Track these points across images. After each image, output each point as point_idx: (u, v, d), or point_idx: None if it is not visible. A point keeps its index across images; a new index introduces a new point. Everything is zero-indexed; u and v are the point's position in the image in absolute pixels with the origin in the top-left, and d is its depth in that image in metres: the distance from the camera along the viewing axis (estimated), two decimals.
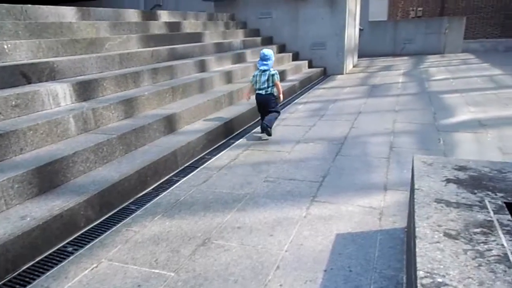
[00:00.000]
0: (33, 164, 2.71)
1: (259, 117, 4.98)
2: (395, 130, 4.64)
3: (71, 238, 2.53)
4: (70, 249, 2.41)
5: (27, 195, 2.61)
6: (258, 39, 9.35)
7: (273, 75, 4.46)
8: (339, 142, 4.28)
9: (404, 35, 13.43)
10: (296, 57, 9.58)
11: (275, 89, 4.52)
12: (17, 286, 2.08)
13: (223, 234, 2.50)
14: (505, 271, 1.24)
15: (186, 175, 3.56)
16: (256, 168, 3.64)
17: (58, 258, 2.31)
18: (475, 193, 1.81)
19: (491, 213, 1.61)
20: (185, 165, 3.79)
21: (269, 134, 4.50)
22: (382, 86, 7.80)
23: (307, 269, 2.10)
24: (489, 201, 1.72)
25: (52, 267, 2.23)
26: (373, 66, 11.02)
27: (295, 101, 6.69)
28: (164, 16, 7.55)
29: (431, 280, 1.21)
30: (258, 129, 4.93)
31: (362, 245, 2.31)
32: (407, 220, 2.41)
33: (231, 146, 4.34)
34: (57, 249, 2.41)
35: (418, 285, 1.20)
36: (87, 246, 2.44)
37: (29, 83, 3.71)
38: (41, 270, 2.21)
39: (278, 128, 4.98)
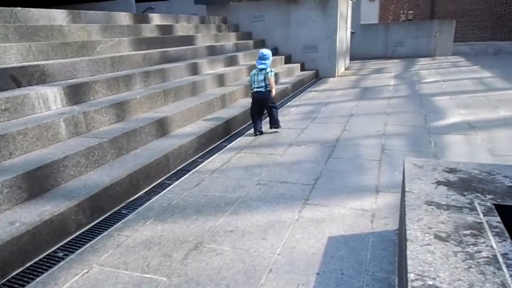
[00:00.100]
0: (23, 168, 2.68)
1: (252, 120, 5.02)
2: (386, 132, 4.68)
3: (61, 243, 2.50)
4: (60, 254, 2.39)
5: (17, 200, 2.58)
6: (251, 42, 9.37)
7: (267, 72, 4.66)
8: (331, 145, 4.29)
9: (395, 38, 13.55)
10: (288, 60, 9.61)
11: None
12: None
13: (215, 238, 2.50)
14: (495, 273, 1.25)
15: (179, 178, 3.54)
16: (249, 171, 3.63)
17: (48, 264, 2.29)
18: (465, 195, 1.83)
19: (481, 215, 1.63)
20: (178, 169, 3.77)
21: (277, 129, 4.92)
22: (373, 88, 7.85)
23: (299, 272, 2.10)
24: (478, 203, 1.74)
25: (42, 273, 2.20)
26: (365, 69, 11.10)
27: (288, 103, 6.71)
28: (156, 19, 7.54)
29: (422, 283, 1.22)
30: (251, 131, 4.95)
31: (354, 247, 2.31)
32: (399, 222, 2.42)
33: (223, 149, 4.34)
34: (47, 255, 2.38)
35: (409, 287, 1.21)
36: (78, 251, 2.41)
37: (19, 86, 3.68)
38: (30, 276, 2.18)
39: (271, 131, 4.98)
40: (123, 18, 6.61)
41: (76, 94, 3.89)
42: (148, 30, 6.67)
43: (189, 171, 3.71)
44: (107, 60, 4.78)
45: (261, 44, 9.71)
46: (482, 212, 1.65)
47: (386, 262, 2.16)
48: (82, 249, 2.44)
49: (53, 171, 2.85)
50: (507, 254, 1.35)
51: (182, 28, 7.71)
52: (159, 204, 3.03)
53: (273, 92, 4.80)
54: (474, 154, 3.80)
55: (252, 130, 4.95)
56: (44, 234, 2.40)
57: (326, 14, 9.21)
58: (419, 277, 1.25)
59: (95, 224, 2.74)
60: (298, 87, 8.12)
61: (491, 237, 1.46)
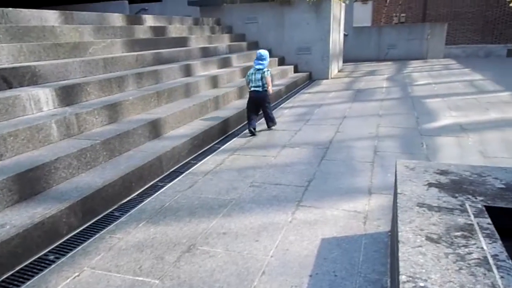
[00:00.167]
0: (14, 170, 2.65)
1: (246, 122, 5.05)
2: (379, 134, 4.71)
3: (52, 246, 2.47)
4: (51, 257, 2.36)
5: (7, 203, 2.55)
6: (244, 43, 9.38)
7: (264, 71, 4.84)
8: (325, 147, 4.31)
9: (388, 41, 13.65)
10: (282, 62, 9.63)
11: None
12: None
13: (208, 240, 2.49)
14: (485, 274, 1.26)
15: (172, 180, 3.53)
16: (242, 173, 3.63)
17: (39, 267, 2.26)
18: (456, 197, 1.84)
19: (472, 217, 1.64)
20: (171, 170, 3.76)
21: (272, 127, 5.11)
22: (366, 90, 7.90)
23: (292, 274, 2.10)
24: (469, 205, 1.75)
25: (33, 276, 2.18)
26: (358, 71, 11.17)
27: (281, 105, 6.72)
28: (149, 20, 7.51)
29: (413, 285, 1.23)
30: (245, 132, 4.95)
31: (347, 249, 2.32)
32: (391, 224, 2.43)
33: (217, 151, 4.33)
34: (38, 258, 2.35)
35: None
36: (69, 254, 2.39)
37: (10, 87, 3.64)
38: (21, 279, 2.15)
39: (264, 133, 5.00)
40: (116, 19, 6.58)
41: (68, 95, 3.86)
42: (141, 32, 6.65)
43: (182, 173, 3.70)
44: (99, 61, 4.76)
45: (254, 46, 9.72)
46: (473, 214, 1.67)
47: (378, 263, 2.17)
48: (73, 252, 2.42)
49: (45, 173, 2.82)
50: (497, 255, 1.36)
51: (175, 29, 7.70)
52: (152, 206, 3.02)
53: (270, 90, 4.95)
54: (466, 156, 3.83)
55: (246, 131, 4.96)
56: (35, 237, 2.37)
57: (320, 16, 9.25)
58: (410, 278, 1.26)
59: (87, 227, 2.72)
60: (292, 89, 8.14)
61: (481, 239, 1.47)
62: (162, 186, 3.40)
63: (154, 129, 4.11)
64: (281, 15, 9.54)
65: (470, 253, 1.38)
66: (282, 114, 6.05)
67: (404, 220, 1.65)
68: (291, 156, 4.04)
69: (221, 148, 4.43)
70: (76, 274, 2.19)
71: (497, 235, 1.49)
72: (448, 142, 4.28)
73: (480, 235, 1.50)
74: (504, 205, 1.74)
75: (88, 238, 2.57)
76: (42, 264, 2.29)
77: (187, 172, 3.72)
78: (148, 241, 2.52)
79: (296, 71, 9.63)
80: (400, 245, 1.46)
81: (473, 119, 5.19)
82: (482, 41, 17.92)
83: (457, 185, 1.98)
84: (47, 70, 4.02)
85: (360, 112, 5.99)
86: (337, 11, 10.13)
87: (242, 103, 5.93)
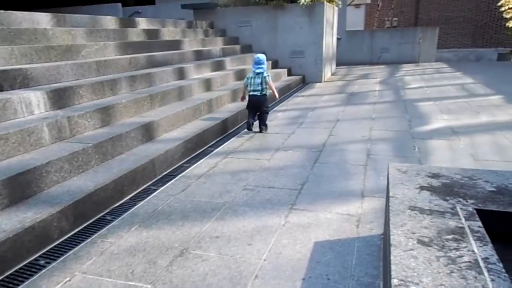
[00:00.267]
0: (4, 174, 2.62)
1: (240, 124, 5.11)
2: (372, 137, 4.73)
3: (43, 251, 2.45)
4: (42, 262, 2.34)
5: None
6: (237, 47, 9.39)
7: (265, 77, 4.96)
8: (318, 150, 4.32)
9: (381, 44, 13.76)
10: (275, 65, 9.66)
11: (268, 90, 5.04)
12: None
13: (201, 244, 2.48)
14: (476, 277, 1.27)
15: (164, 184, 3.51)
16: (235, 176, 3.63)
17: (29, 272, 2.24)
18: (447, 200, 1.86)
19: (463, 220, 1.66)
20: (164, 174, 3.74)
21: (264, 131, 5.13)
22: (359, 94, 7.94)
23: (285, 278, 2.10)
24: (460, 208, 1.77)
25: (23, 281, 2.15)
26: (351, 74, 11.23)
27: (275, 108, 6.73)
28: (143, 23, 7.50)
29: None
30: (239, 135, 4.95)
31: (340, 252, 2.33)
32: (384, 227, 2.44)
33: (210, 154, 4.32)
34: (29, 263, 2.33)
35: None
36: (60, 259, 2.37)
37: (1, 90, 3.60)
38: (10, 285, 2.12)
39: (257, 136, 5.00)
40: (109, 22, 6.56)
41: (60, 98, 3.83)
42: (135, 34, 6.63)
43: (175, 176, 3.69)
44: (92, 64, 4.73)
45: (248, 49, 9.75)
46: (464, 217, 1.68)
47: (371, 267, 2.18)
48: (64, 256, 2.39)
49: (36, 176, 2.80)
50: (488, 258, 1.37)
51: (169, 32, 7.69)
52: (145, 210, 3.00)
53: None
54: (457, 159, 3.87)
55: (240, 134, 4.97)
56: (26, 242, 2.35)
57: (313, 20, 9.30)
58: (402, 282, 1.26)
59: (78, 231, 2.70)
60: (285, 92, 8.16)
61: (472, 242, 1.48)
62: (155, 190, 3.38)
63: (147, 132, 4.09)
64: (274, 18, 9.58)
65: (461, 256, 1.39)
66: (276, 117, 6.06)
67: (396, 223, 1.66)
68: (285, 159, 4.05)
69: (214, 151, 4.43)
70: (67, 279, 2.17)
71: (487, 238, 1.50)
72: (440, 145, 4.32)
73: (471, 238, 1.51)
74: (494, 208, 1.76)
75: (80, 243, 2.55)
76: (33, 269, 2.26)
77: (180, 175, 3.71)
78: (140, 245, 2.50)
79: (289, 74, 9.66)
80: (392, 248, 1.47)
81: (464, 123, 5.24)
82: (473, 45, 18.14)
83: (448, 188, 2.00)
84: (38, 73, 3.99)
85: (353, 115, 6.02)
86: (330, 15, 10.19)
87: (236, 106, 5.94)
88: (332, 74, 11.27)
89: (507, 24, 14.63)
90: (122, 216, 2.90)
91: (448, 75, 10.17)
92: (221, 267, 2.22)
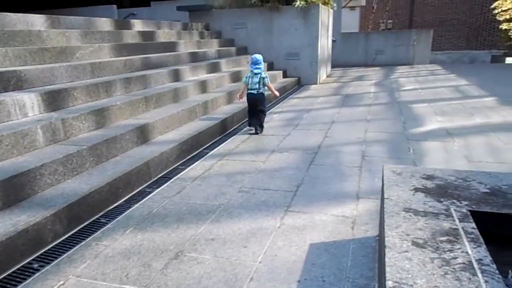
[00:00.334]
0: None
1: (235, 126, 5.14)
2: (367, 139, 4.75)
3: (37, 254, 2.43)
4: (36, 265, 2.32)
5: None
6: (233, 49, 9.40)
7: (263, 78, 5.08)
8: (313, 152, 4.33)
9: (375, 47, 13.82)
10: (271, 67, 9.67)
11: (265, 89, 5.12)
12: None
13: (196, 247, 2.47)
14: (470, 278, 1.28)
15: (159, 186, 3.50)
16: (231, 178, 3.62)
17: (22, 276, 2.22)
18: (441, 202, 1.87)
19: (457, 221, 1.67)
20: (159, 176, 3.73)
21: (257, 132, 5.16)
22: (354, 96, 7.97)
23: (281, 280, 2.10)
24: (454, 210, 1.78)
25: (16, 285, 2.13)
26: (346, 76, 11.27)
27: (270, 110, 6.74)
28: (138, 25, 7.48)
29: None
30: (234, 137, 4.94)
31: (335, 254, 2.33)
32: (379, 229, 2.45)
33: (205, 156, 4.31)
34: (22, 266, 2.31)
35: None
36: (54, 262, 2.35)
37: None
38: None
39: (253, 138, 5.00)
40: (104, 23, 6.54)
41: (54, 100, 3.81)
42: (130, 36, 6.62)
43: (170, 178, 3.68)
44: (87, 66, 4.71)
45: (243, 51, 9.75)
46: (458, 219, 1.69)
47: (366, 268, 2.18)
48: (58, 260, 2.38)
49: (29, 179, 2.78)
50: (481, 259, 1.38)
51: (164, 34, 7.68)
52: (139, 213, 2.99)
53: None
54: (452, 160, 3.89)
55: (236, 136, 4.97)
56: (19, 245, 2.33)
57: (308, 22, 9.32)
58: (397, 284, 1.26)
59: (72, 234, 2.68)
60: (281, 94, 8.15)
61: (466, 243, 1.49)
62: (150, 192, 3.37)
63: (142, 134, 4.08)
64: (270, 20, 9.60)
65: (455, 258, 1.40)
66: (272, 119, 6.06)
67: (391, 225, 1.66)
68: (280, 161, 4.05)
69: (210, 153, 4.42)
70: (61, 282, 2.15)
71: (481, 240, 1.51)
72: (434, 146, 4.34)
73: (465, 240, 1.52)
74: (488, 210, 1.77)
75: (74, 246, 2.53)
76: (26, 273, 2.24)
77: (175, 177, 3.70)
78: (135, 248, 2.49)
79: (285, 76, 9.67)
80: (386, 250, 1.47)
81: (458, 124, 5.27)
82: (467, 47, 18.29)
83: (442, 189, 2.01)
84: (33, 74, 3.96)
85: (348, 117, 6.04)
86: (325, 17, 10.23)
87: (231, 108, 5.94)
88: (327, 76, 11.31)
89: (500, 26, 14.78)
90: (117, 219, 2.89)
91: (442, 77, 10.24)
92: (216, 269, 2.22)
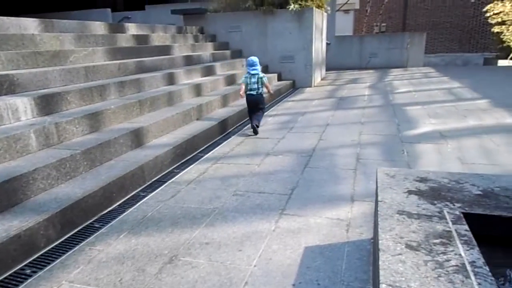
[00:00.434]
0: None
1: (230, 129, 5.20)
2: (361, 141, 4.76)
3: (29, 260, 2.40)
4: (28, 271, 2.29)
5: None
6: (227, 52, 9.41)
7: (261, 78, 5.18)
8: (308, 154, 4.33)
9: (369, 49, 13.90)
10: (265, 70, 9.68)
11: (264, 90, 5.27)
12: None
13: (190, 251, 2.46)
14: (463, 281, 1.28)
15: (154, 190, 3.49)
16: (225, 181, 3.62)
17: (14, 282, 2.19)
18: (434, 204, 1.87)
19: (450, 224, 1.67)
20: (153, 180, 3.71)
21: (256, 133, 5.26)
22: (349, 98, 8.01)
23: (275, 284, 2.10)
24: (447, 212, 1.79)
25: None
26: (341, 79, 11.32)
27: (265, 113, 6.72)
28: (132, 28, 7.47)
29: None
30: (229, 140, 4.94)
31: (330, 257, 2.33)
32: (373, 232, 2.45)
33: (200, 160, 4.30)
34: (14, 272, 2.28)
35: None
36: (47, 268, 2.33)
37: None
38: None
39: (248, 141, 5.00)
40: (98, 27, 6.52)
41: (47, 104, 3.79)
42: (124, 40, 6.60)
43: (165, 182, 3.66)
44: (80, 70, 4.69)
45: (238, 54, 9.76)
46: (451, 221, 1.70)
47: (361, 271, 2.18)
48: (51, 265, 2.35)
49: (22, 184, 2.75)
50: (474, 262, 1.38)
51: (158, 38, 7.67)
52: (134, 217, 2.97)
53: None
54: (445, 162, 3.91)
55: (230, 139, 4.96)
56: (11, 251, 2.30)
57: (302, 25, 9.36)
58: (390, 287, 1.27)
59: (65, 239, 2.66)
60: (276, 97, 8.18)
61: (459, 246, 1.50)
62: (144, 196, 3.36)
63: (136, 138, 4.07)
64: (264, 24, 9.62)
65: (448, 260, 1.40)
66: (266, 122, 6.07)
67: (385, 228, 1.67)
68: (275, 164, 4.05)
69: (204, 157, 4.41)
70: None
71: (474, 242, 1.52)
72: (428, 149, 4.37)
73: (458, 242, 1.52)
74: (481, 212, 1.78)
75: (67, 251, 2.51)
76: (18, 279, 2.22)
77: (169, 181, 3.69)
78: (129, 252, 2.47)
79: (279, 79, 9.69)
80: (380, 253, 1.47)
81: (452, 126, 5.31)
82: (460, 50, 18.45)
83: (435, 192, 2.02)
84: (26, 78, 3.94)
85: (343, 119, 6.06)
86: (319, 20, 10.28)
87: (226, 111, 5.94)
88: (322, 79, 11.35)
89: (492, 29, 14.94)
90: (111, 223, 2.87)
91: (435, 80, 10.31)
92: (211, 274, 2.21)
